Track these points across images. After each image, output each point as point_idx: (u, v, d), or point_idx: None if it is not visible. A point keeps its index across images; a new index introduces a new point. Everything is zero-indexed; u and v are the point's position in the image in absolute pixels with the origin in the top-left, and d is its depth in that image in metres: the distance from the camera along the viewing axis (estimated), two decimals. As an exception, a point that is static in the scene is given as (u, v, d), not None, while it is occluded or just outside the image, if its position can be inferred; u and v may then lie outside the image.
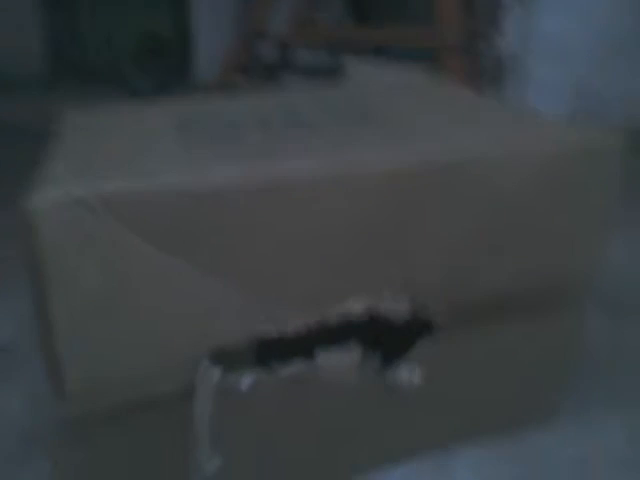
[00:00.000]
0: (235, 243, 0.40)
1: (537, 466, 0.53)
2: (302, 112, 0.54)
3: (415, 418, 0.52)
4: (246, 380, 0.43)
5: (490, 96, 1.36)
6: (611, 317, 0.74)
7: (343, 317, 0.44)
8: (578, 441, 0.56)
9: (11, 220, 0.38)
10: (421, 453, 0.54)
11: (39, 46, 2.12)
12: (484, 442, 0.55)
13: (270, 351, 0.44)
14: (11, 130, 1.38)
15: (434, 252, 0.45)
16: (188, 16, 1.92)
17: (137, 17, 2.16)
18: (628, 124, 1.52)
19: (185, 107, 0.57)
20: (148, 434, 0.44)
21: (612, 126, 0.47)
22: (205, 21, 1.83)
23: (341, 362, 0.47)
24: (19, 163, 0.87)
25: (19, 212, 0.35)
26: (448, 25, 1.05)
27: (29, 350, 0.65)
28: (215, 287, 0.40)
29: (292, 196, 0.40)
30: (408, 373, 0.49)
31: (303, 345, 0.45)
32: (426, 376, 0.49)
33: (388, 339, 0.47)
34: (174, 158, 0.42)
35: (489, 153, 0.45)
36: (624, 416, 0.59)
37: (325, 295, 0.44)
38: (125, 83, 1.87)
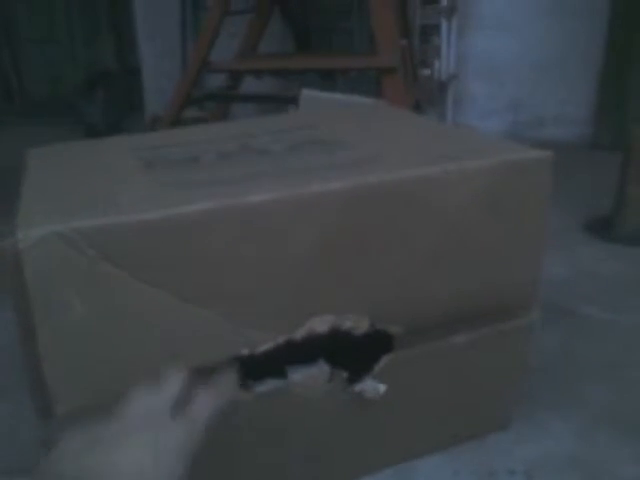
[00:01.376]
0: (207, 270, 0.43)
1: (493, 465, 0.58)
2: (257, 141, 0.58)
3: (381, 427, 0.55)
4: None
5: (430, 116, 1.42)
6: (558, 325, 0.79)
7: (310, 336, 0.48)
8: (531, 442, 0.61)
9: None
10: (388, 460, 0.58)
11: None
12: (446, 446, 0.59)
13: (246, 370, 0.47)
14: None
15: (389, 272, 0.49)
16: (135, 50, 1.94)
17: (84, 51, 2.18)
18: (561, 139, 1.61)
19: (143, 141, 0.59)
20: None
21: (545, 141, 0.51)
22: (151, 54, 1.85)
23: (311, 377, 0.50)
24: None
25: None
26: (386, 48, 1.10)
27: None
28: (192, 312, 0.43)
29: (259, 224, 0.44)
30: (372, 385, 0.52)
31: (275, 363, 0.48)
32: (389, 387, 0.53)
33: (352, 355, 0.51)
34: (144, 193, 0.45)
35: (432, 172, 0.48)
36: (570, 418, 0.63)
37: (292, 315, 0.47)
38: (78, 118, 1.87)
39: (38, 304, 0.39)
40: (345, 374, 0.52)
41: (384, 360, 0.52)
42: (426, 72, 1.57)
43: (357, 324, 0.49)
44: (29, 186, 0.47)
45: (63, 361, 0.41)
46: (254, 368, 0.48)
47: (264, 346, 0.47)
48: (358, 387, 0.52)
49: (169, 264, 0.42)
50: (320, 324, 0.48)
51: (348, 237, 0.47)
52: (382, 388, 0.53)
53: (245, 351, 0.46)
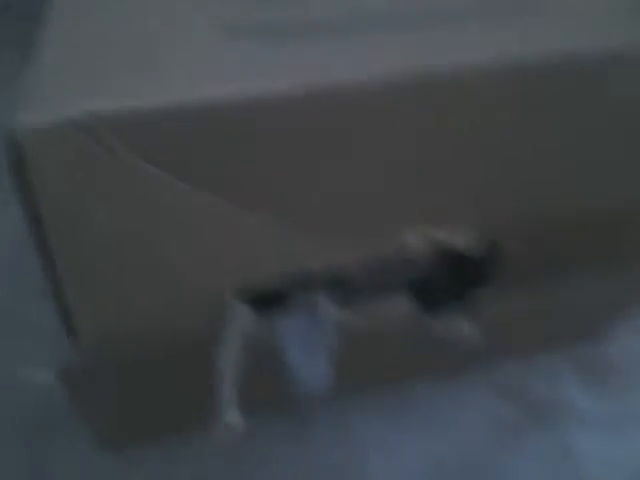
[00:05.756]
0: (269, 165, 0.32)
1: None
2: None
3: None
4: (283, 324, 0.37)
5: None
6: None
7: (399, 253, 0.37)
8: None
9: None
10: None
11: None
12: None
13: (309, 293, 0.38)
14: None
15: (512, 171, 0.36)
16: None
17: None
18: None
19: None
20: (169, 383, 0.38)
21: None
22: None
23: (391, 310, 0.40)
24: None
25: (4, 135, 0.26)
26: None
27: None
28: (245, 217, 0.33)
29: (353, 104, 0.31)
30: (463, 326, 0.43)
31: (349, 288, 0.38)
32: (483, 331, 0.43)
33: (447, 283, 0.41)
34: (207, 60, 0.32)
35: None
36: None
37: (379, 224, 0.36)
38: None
39: (52, 218, 0.28)
40: (431, 307, 0.41)
41: (483, 294, 0.41)
42: None
43: (465, 238, 0.38)
44: (47, 40, 0.33)
45: (86, 279, 0.31)
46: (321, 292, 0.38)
47: (340, 262, 0.36)
48: (444, 325, 0.42)
49: (223, 160, 0.30)
50: (415, 237, 0.37)
51: (467, 124, 0.33)
52: (470, 328, 0.43)
53: (313, 269, 0.36)
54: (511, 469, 0.45)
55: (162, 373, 0.38)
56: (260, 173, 0.32)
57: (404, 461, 0.46)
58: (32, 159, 0.27)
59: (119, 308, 0.33)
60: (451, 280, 0.40)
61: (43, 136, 0.26)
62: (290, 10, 0.36)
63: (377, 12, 0.36)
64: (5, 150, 0.26)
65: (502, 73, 0.32)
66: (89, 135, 0.27)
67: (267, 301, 0.37)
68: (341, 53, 0.32)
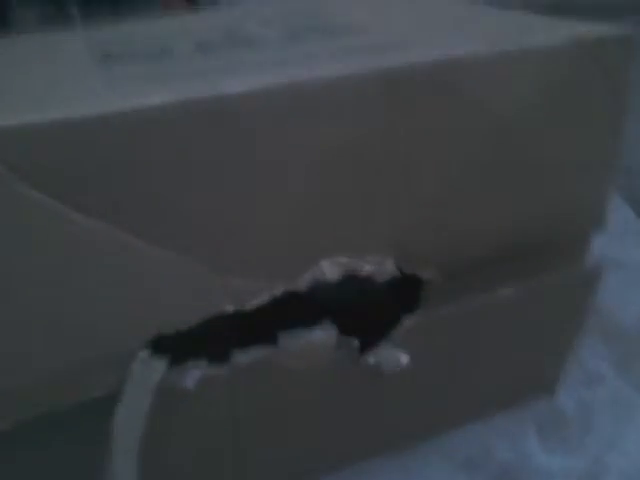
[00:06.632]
0: (175, 188, 0.29)
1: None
2: (246, 30, 0.44)
3: (399, 405, 0.43)
4: (193, 374, 0.33)
5: None
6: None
7: (316, 285, 0.34)
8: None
9: None
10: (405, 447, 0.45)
11: None
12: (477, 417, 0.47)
13: (223, 336, 0.34)
14: None
15: (419, 193, 0.35)
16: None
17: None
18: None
19: (98, 32, 0.45)
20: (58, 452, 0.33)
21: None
22: None
23: (311, 344, 0.37)
24: None
25: None
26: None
27: None
28: (151, 253, 0.30)
29: (244, 124, 0.30)
30: (392, 354, 0.39)
31: (264, 325, 0.35)
32: (414, 356, 0.40)
33: (367, 316, 0.38)
34: (86, 87, 0.32)
35: (476, 54, 0.34)
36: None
37: (296, 255, 0.34)
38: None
39: None
40: (356, 341, 0.38)
41: (409, 320, 0.39)
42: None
43: (379, 267, 0.36)
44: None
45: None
46: (235, 333, 0.35)
47: (254, 300, 0.33)
48: (373, 358, 0.39)
49: (116, 183, 0.28)
50: (330, 268, 0.35)
51: (365, 143, 0.33)
52: (404, 358, 0.40)
53: (229, 308, 0.33)
54: None
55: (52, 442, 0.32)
56: (165, 200, 0.29)
57: None
58: None
59: (6, 363, 0.29)
60: (373, 308, 0.37)
61: None
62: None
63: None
64: None
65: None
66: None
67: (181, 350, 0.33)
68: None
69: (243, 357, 0.35)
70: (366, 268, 0.35)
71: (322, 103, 0.31)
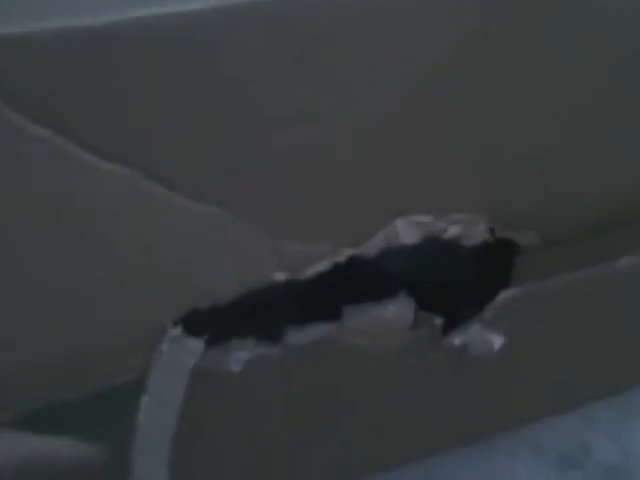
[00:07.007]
0: (216, 129, 0.23)
1: None
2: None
3: (486, 397, 0.37)
4: (238, 356, 0.28)
5: None
6: None
7: (389, 250, 0.29)
8: None
9: None
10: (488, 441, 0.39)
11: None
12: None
13: (274, 311, 0.29)
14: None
15: (529, 137, 0.29)
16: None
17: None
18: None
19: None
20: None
21: None
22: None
23: (382, 321, 0.31)
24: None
25: None
26: None
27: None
28: (185, 207, 0.24)
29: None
30: (482, 337, 0.33)
31: (325, 298, 0.30)
32: (509, 339, 0.34)
33: (455, 285, 0.32)
34: None
35: None
36: None
37: (364, 213, 0.28)
38: None
39: None
40: (439, 319, 0.32)
41: (503, 295, 0.32)
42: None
43: (467, 229, 0.30)
44: None
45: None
46: (292, 306, 0.30)
47: (311, 268, 0.28)
48: (459, 339, 0.33)
49: (140, 118, 0.22)
50: (406, 229, 0.29)
51: (460, 70, 0.26)
52: (498, 341, 0.34)
53: (280, 277, 0.27)
54: None
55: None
56: (190, 147, 0.23)
57: None
58: None
59: (20, 342, 0.24)
60: (459, 280, 0.32)
61: None
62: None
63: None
64: None
65: None
66: None
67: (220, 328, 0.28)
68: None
69: (299, 336, 0.30)
70: (451, 230, 0.29)
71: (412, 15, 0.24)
